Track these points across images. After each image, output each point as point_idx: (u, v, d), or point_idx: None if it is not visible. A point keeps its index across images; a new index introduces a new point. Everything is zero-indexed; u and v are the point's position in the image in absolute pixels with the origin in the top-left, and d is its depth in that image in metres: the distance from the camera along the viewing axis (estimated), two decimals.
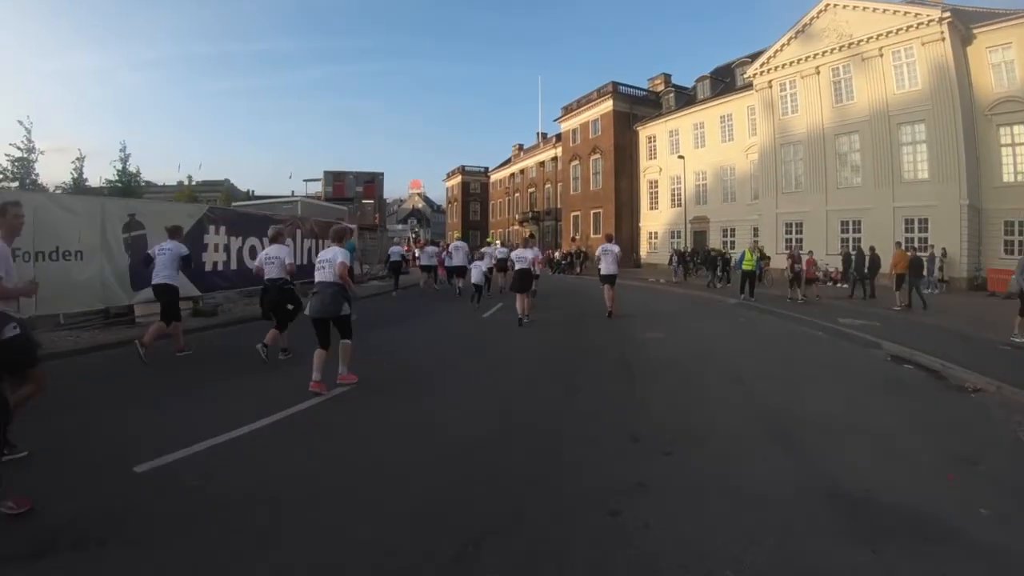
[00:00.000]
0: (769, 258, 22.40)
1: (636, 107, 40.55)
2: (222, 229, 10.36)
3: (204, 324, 9.23)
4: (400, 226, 62.95)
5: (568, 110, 45.22)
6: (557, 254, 35.60)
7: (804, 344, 9.06)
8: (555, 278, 26.97)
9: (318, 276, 5.39)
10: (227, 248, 10.48)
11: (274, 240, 7.17)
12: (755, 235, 29.44)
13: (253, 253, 10.66)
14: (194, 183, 53.03)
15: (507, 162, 62.34)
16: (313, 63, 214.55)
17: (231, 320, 9.90)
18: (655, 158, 38.01)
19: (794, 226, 26.67)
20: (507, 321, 10.65)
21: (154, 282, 6.87)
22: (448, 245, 20.87)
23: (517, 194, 58.53)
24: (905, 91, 22.40)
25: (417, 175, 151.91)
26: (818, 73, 25.42)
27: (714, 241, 32.20)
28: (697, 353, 7.94)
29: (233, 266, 10.62)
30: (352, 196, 46.44)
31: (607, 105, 39.98)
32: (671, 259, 27.37)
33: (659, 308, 14.07)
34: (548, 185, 51.86)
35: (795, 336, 9.89)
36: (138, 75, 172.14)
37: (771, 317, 12.48)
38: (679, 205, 35.35)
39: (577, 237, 41.53)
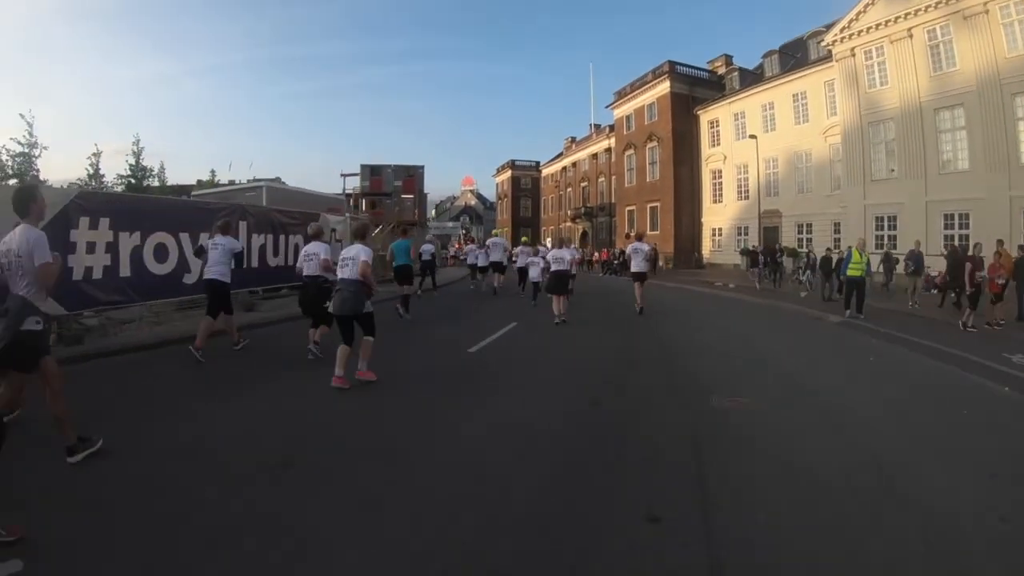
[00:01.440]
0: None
1: (696, 89, 37.20)
2: (103, 222, 7.56)
3: (67, 354, 6.47)
4: (451, 223, 63.06)
5: (621, 95, 42.33)
6: (604, 252, 32.93)
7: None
8: (606, 280, 24.15)
9: (341, 273, 5.54)
10: (113, 248, 7.73)
11: (315, 237, 7.26)
12: (836, 231, 25.94)
13: (163, 253, 8.43)
14: (243, 182, 52.49)
15: (559, 156, 60.12)
16: (362, 65, 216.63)
17: (107, 350, 7.16)
18: (718, 145, 34.64)
19: (886, 220, 22.97)
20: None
21: (205, 277, 7.13)
22: (484, 241, 20.43)
23: (569, 189, 56.27)
24: (1019, 54, 18.41)
25: (471, 173, 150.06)
26: (911, 36, 21.58)
27: (787, 238, 28.71)
28: (829, 454, 4.07)
29: (125, 272, 7.89)
30: (391, 191, 45.68)
31: (664, 87, 36.89)
32: (750, 260, 24.54)
33: (738, 331, 10.78)
34: (602, 179, 49.24)
35: (983, 398, 5.91)
36: (201, 80, 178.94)
37: (905, 349, 8.68)
38: (746, 197, 31.99)
39: (632, 233, 38.59)
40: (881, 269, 17.50)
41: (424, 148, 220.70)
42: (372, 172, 47.13)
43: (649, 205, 38.57)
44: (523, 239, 23.82)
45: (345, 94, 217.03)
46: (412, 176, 47.11)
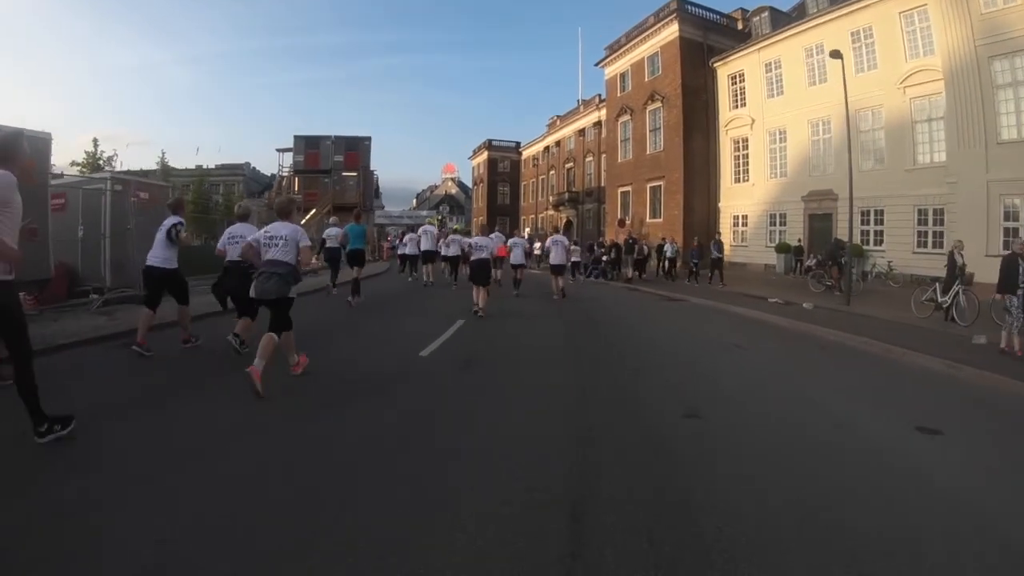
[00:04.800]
0: (970, 271, 11.29)
1: (711, 36, 29.58)
2: None
3: None
4: (425, 212, 58.01)
5: (614, 49, 34.50)
6: (596, 246, 24.60)
7: None
8: (587, 292, 16.41)
9: (268, 253, 5.09)
10: None
11: (242, 218, 6.96)
12: (922, 221, 18.47)
13: None
14: (212, 166, 57.02)
15: (542, 136, 52.69)
16: (344, 56, 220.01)
17: None
18: (742, 105, 26.94)
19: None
20: None
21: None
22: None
23: (552, 171, 49.06)
24: None
25: (454, 161, 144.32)
26: None
27: (844, 229, 21.07)
28: None
29: None
30: (329, 168, 37.49)
31: (670, 32, 29.12)
32: (806, 262, 18.53)
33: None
34: (590, 158, 41.99)
35: None
36: (184, 69, 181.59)
37: None
38: (783, 174, 24.36)
39: (628, 219, 30.79)
40: None
41: (409, 137, 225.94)
42: (307, 145, 38.58)
43: (650, 184, 30.76)
44: (454, 227, 21.00)
45: (328, 84, 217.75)
46: (356, 149, 38.78)
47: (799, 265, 21.26)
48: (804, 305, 12.60)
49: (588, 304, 13.10)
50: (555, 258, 13.85)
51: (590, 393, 5.27)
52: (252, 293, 5.12)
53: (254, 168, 58.99)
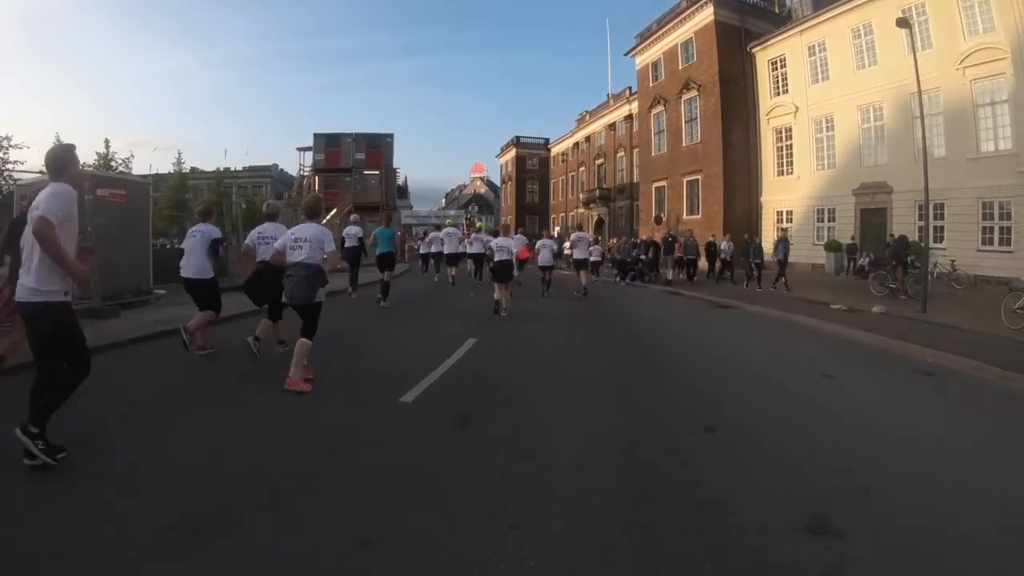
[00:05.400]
0: None
1: (748, 20, 28.24)
2: None
3: None
4: (453, 212, 58.21)
5: (645, 37, 33.37)
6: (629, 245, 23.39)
7: None
8: (623, 296, 15.15)
9: (293, 256, 5.03)
10: None
11: (271, 217, 6.88)
12: (987, 215, 17.07)
13: None
14: (239, 168, 57.61)
15: (571, 132, 51.63)
16: (369, 58, 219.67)
17: None
18: (784, 92, 25.55)
19: None
20: None
21: (181, 275, 6.52)
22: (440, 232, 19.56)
23: (582, 168, 48.07)
24: None
25: (484, 160, 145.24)
26: None
27: (900, 225, 19.78)
28: None
29: None
30: (351, 166, 37.26)
31: (705, 15, 27.88)
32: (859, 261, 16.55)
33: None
34: (621, 153, 40.91)
35: None
36: (218, 73, 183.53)
37: None
38: (831, 166, 23.02)
39: (663, 215, 29.75)
40: None
41: (438, 138, 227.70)
42: (328, 143, 38.46)
43: (686, 179, 29.67)
44: (477, 225, 22.10)
45: (351, 86, 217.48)
46: (378, 147, 38.59)
47: (852, 264, 19.98)
48: (874, 309, 11.41)
49: (625, 313, 11.82)
50: (578, 254, 14.29)
51: (647, 482, 3.22)
52: (283, 297, 5.12)
53: (281, 170, 59.33)
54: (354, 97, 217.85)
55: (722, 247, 19.21)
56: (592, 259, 16.64)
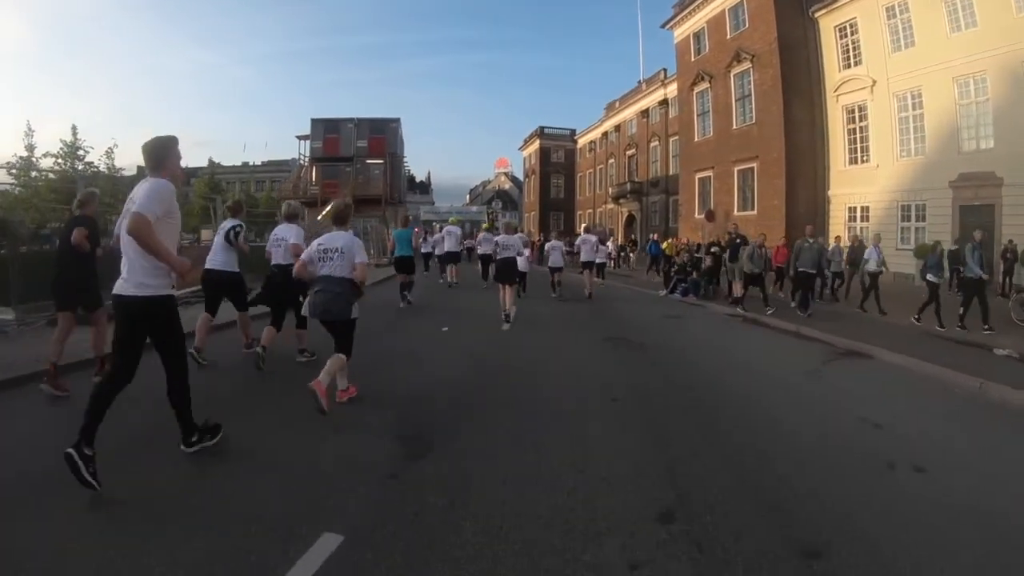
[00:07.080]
0: None
1: None
2: None
3: None
4: (476, 208, 58.21)
5: (685, 4, 29.65)
6: (672, 247, 19.37)
7: None
8: (670, 325, 10.00)
9: (323, 269, 4.73)
10: None
11: (289, 218, 6.70)
12: None
13: None
14: (259, 163, 60.61)
15: (599, 122, 48.19)
16: (399, 56, 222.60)
17: None
18: (857, 64, 21.75)
19: None
20: None
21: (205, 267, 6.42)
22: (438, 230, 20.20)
23: (611, 160, 44.81)
24: None
25: (508, 155, 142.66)
26: None
27: (1012, 227, 16.14)
28: None
29: None
30: (352, 154, 34.31)
31: None
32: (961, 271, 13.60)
33: None
34: (655, 143, 37.65)
35: None
36: (247, 69, 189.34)
37: None
38: (919, 152, 19.26)
39: (712, 210, 26.16)
40: None
41: (463, 133, 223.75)
42: (327, 129, 35.22)
43: (737, 168, 26.02)
44: (483, 225, 22.59)
45: (374, 84, 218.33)
46: (382, 134, 35.43)
47: (955, 277, 16.19)
48: None
49: (680, 366, 7.11)
50: (585, 255, 14.41)
51: None
52: (306, 311, 4.95)
53: (300, 164, 58.96)
54: (379, 95, 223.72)
55: (869, 256, 13.90)
56: (598, 261, 16.66)
